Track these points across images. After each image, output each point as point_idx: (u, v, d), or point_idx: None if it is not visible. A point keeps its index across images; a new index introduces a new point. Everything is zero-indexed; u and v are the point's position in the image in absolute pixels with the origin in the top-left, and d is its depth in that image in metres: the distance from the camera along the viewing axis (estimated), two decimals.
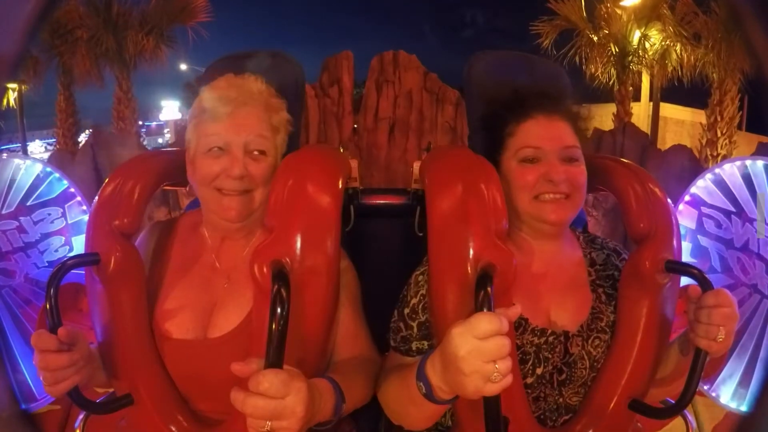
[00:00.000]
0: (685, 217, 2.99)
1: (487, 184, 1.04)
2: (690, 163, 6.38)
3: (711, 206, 2.94)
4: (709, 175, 2.95)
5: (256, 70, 1.20)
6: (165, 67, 9.65)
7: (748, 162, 2.84)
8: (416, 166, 1.28)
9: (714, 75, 8.56)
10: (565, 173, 1.07)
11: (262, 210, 1.12)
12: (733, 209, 2.86)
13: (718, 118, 8.60)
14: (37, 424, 0.79)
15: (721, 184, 2.91)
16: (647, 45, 9.34)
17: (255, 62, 1.27)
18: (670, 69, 9.24)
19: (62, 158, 6.46)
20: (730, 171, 2.89)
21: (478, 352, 0.78)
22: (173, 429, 1.05)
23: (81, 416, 1.21)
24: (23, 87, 10.22)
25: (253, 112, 1.09)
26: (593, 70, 9.61)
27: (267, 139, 1.10)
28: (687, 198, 3.02)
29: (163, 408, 1.06)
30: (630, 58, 9.42)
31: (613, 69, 9.58)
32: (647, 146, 6.90)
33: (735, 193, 2.86)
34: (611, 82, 9.61)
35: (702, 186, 2.98)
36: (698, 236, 2.97)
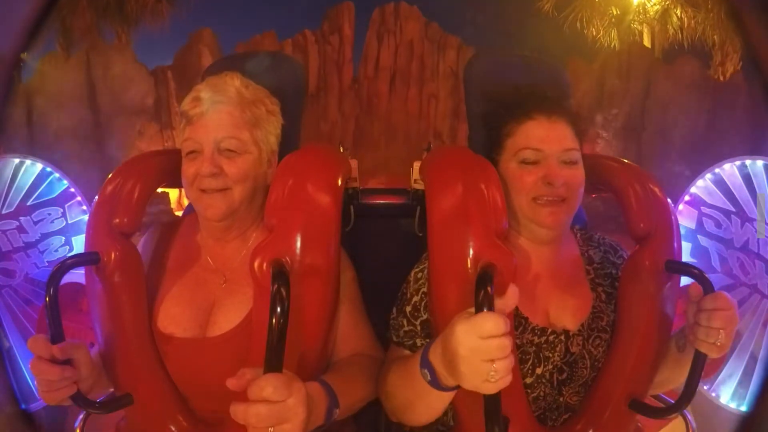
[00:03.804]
0: (685, 217, 2.99)
1: (487, 184, 1.04)
2: (700, 72, 6.35)
3: (711, 206, 2.94)
4: (708, 175, 2.95)
5: (255, 70, 1.20)
6: (166, 25, 9.47)
7: (748, 162, 2.84)
8: (416, 166, 1.28)
9: (715, 37, 8.52)
10: (564, 176, 1.07)
11: (247, 207, 1.12)
12: (733, 209, 2.86)
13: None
14: (37, 424, 0.79)
15: (721, 184, 2.91)
16: (648, 5, 9.32)
17: (254, 62, 1.27)
18: (671, 33, 9.20)
19: (56, 60, 6.35)
20: (730, 171, 2.89)
21: (479, 351, 0.78)
22: (173, 429, 1.05)
23: (81, 416, 1.21)
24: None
25: (224, 110, 1.08)
26: (594, 32, 9.59)
27: (239, 138, 1.08)
28: (687, 198, 3.02)
29: (163, 408, 1.06)
30: (631, 17, 9.39)
31: (614, 31, 9.55)
32: (653, 63, 6.92)
33: (735, 193, 2.86)
34: (612, 45, 9.56)
35: (702, 186, 2.98)
36: (698, 236, 2.96)
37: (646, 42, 10.40)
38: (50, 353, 0.92)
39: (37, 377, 0.92)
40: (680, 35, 9.03)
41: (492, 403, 0.83)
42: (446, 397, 0.94)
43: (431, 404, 0.97)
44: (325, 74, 7.53)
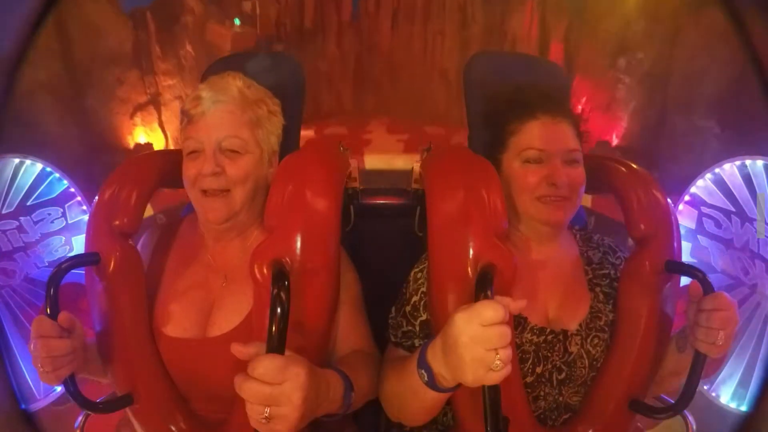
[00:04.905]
0: (685, 217, 3.00)
1: (488, 184, 1.04)
2: (716, 35, 6.26)
3: (711, 206, 2.94)
4: (708, 175, 2.96)
5: (254, 71, 1.20)
6: None
7: (748, 162, 2.84)
8: (416, 166, 1.29)
9: None
10: (567, 176, 1.08)
11: (248, 209, 1.12)
12: (733, 209, 2.86)
13: None
14: (37, 424, 0.79)
15: (721, 184, 2.91)
16: None
17: (254, 63, 1.27)
18: None
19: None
20: (730, 171, 2.89)
21: (481, 339, 0.78)
22: (173, 429, 1.06)
23: (81, 416, 1.21)
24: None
25: (226, 110, 1.08)
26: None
27: (241, 137, 1.08)
28: (687, 198, 3.03)
29: (163, 408, 1.06)
30: None
31: None
32: (682, 6, 6.82)
33: (735, 193, 2.86)
34: None
35: (702, 186, 2.98)
36: (698, 236, 2.97)
37: None
38: (58, 330, 0.92)
39: (42, 358, 0.92)
40: None
41: (492, 402, 0.82)
42: (443, 398, 0.94)
43: (428, 404, 0.97)
44: (321, 7, 6.99)
